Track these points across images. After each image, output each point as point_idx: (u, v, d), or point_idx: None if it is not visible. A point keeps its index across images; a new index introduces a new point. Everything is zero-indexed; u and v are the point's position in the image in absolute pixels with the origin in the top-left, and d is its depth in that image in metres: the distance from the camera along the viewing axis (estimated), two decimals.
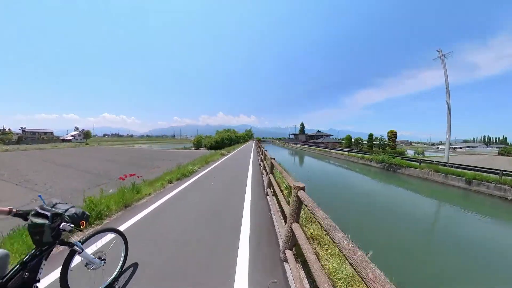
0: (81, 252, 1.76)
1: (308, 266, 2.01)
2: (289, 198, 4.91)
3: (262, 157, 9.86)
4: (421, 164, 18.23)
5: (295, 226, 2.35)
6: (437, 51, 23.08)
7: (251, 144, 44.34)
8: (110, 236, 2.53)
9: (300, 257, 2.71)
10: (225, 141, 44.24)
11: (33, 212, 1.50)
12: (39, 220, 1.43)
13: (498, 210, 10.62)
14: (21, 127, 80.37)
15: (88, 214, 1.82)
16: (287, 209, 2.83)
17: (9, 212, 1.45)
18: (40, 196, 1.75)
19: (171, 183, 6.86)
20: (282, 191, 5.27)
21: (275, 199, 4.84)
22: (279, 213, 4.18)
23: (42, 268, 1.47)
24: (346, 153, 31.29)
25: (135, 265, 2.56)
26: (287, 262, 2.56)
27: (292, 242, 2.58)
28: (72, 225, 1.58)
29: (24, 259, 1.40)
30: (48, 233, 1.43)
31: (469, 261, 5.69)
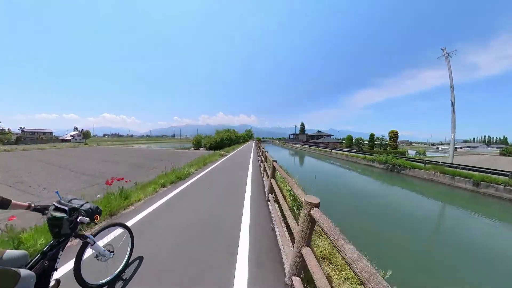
0: (93, 245, 1.88)
1: None
2: (294, 207, 4.43)
3: (263, 159, 9.37)
4: (426, 165, 17.73)
5: (306, 251, 1.86)
6: (441, 49, 22.59)
7: (251, 144, 43.82)
8: (119, 230, 2.69)
9: (310, 284, 2.23)
10: (225, 141, 43.58)
11: (52, 207, 1.62)
12: (58, 214, 1.55)
13: (510, 213, 10.13)
14: (20, 127, 79.88)
15: (101, 209, 1.96)
16: (293, 225, 2.35)
17: (28, 207, 1.55)
18: (57, 192, 1.89)
19: (164, 187, 6.37)
20: (285, 197, 4.79)
21: (277, 206, 4.36)
22: (282, 224, 3.69)
23: (59, 258, 1.57)
24: (348, 153, 30.76)
25: (140, 258, 2.63)
26: None
27: (301, 268, 2.09)
28: (88, 219, 1.72)
29: (44, 249, 1.50)
30: (66, 226, 1.56)
31: (490, 270, 5.21)
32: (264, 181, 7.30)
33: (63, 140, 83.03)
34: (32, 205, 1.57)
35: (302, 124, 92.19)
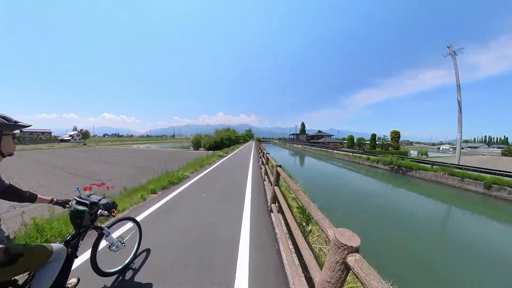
0: (108, 236, 2.10)
1: None
2: (303, 222, 3.77)
3: (264, 161, 8.70)
4: (433, 166, 17.06)
5: None
6: (447, 47, 21.94)
7: (251, 144, 43.15)
8: (129, 224, 2.90)
9: None
10: (225, 141, 42.76)
11: (73, 201, 1.77)
12: (80, 207, 1.71)
13: None
14: None
15: (117, 204, 2.11)
16: (309, 260, 1.70)
17: (51, 201, 1.71)
18: (77, 188, 2.09)
19: (154, 194, 5.71)
20: (290, 206, 4.14)
21: (281, 219, 3.71)
22: (289, 242, 3.04)
23: (79, 247, 1.73)
24: (350, 154, 30.09)
25: (147, 250, 2.81)
26: None
27: None
28: (107, 212, 1.92)
29: (67, 239, 1.67)
30: (87, 218, 1.72)
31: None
32: (266, 187, 6.64)
33: (62, 140, 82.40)
34: (54, 199, 1.73)
35: (303, 124, 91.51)
